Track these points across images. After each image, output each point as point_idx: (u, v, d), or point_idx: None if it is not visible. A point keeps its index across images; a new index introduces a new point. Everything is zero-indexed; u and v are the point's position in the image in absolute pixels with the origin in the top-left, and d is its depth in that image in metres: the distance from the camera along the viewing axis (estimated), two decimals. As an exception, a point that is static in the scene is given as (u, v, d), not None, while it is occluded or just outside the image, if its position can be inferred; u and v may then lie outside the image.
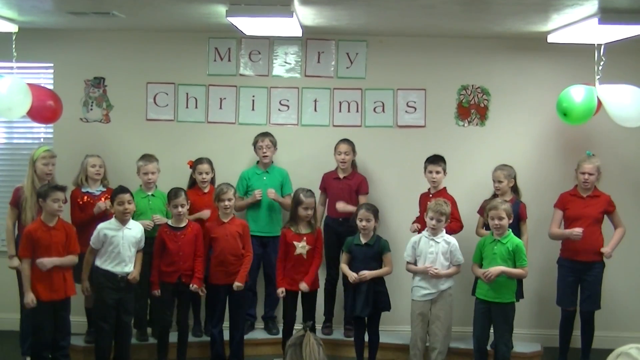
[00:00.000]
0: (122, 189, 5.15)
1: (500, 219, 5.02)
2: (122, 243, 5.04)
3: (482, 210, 5.44)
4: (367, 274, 5.14)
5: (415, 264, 5.21)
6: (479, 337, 5.17)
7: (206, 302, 5.75)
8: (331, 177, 5.92)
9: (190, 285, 5.26)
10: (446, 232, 5.28)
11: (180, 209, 5.25)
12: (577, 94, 5.29)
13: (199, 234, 5.35)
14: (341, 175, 5.89)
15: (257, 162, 5.96)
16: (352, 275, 5.17)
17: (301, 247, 5.30)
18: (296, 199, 5.37)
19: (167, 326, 5.39)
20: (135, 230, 5.16)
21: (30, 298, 4.83)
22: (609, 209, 5.49)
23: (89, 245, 5.10)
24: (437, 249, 5.14)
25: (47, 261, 4.86)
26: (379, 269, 5.23)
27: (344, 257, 5.36)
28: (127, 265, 5.09)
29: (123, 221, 5.09)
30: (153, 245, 5.30)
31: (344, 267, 5.30)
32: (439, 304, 5.15)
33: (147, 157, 5.65)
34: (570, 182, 5.65)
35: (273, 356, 5.71)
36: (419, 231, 5.35)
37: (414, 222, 5.63)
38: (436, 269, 5.09)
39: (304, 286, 5.32)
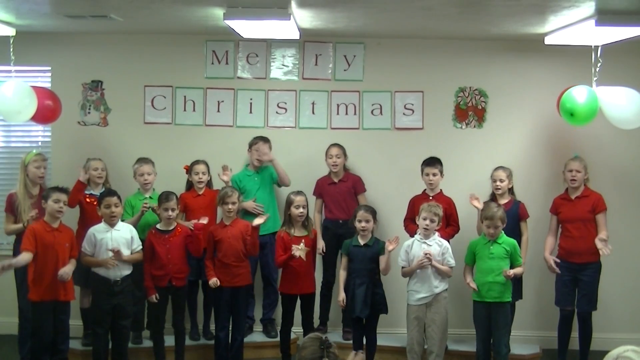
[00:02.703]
0: (109, 192, 5.21)
1: (496, 227, 5.08)
2: (111, 245, 5.05)
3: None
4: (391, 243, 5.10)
5: None
6: (482, 339, 5.18)
7: (206, 304, 5.77)
8: (326, 183, 5.93)
9: None
10: (444, 237, 5.28)
11: (170, 212, 5.25)
12: (579, 95, 5.27)
13: (189, 234, 5.34)
14: (335, 180, 5.90)
15: (247, 165, 5.96)
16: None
17: (300, 249, 5.28)
18: (288, 201, 5.40)
19: (160, 329, 5.39)
20: (124, 231, 5.17)
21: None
22: (598, 208, 5.44)
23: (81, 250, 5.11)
24: (430, 251, 5.13)
25: (69, 269, 4.96)
26: (377, 269, 5.22)
27: (343, 260, 5.34)
28: (120, 269, 5.09)
29: (111, 224, 5.12)
30: (142, 250, 5.28)
31: (342, 275, 5.29)
32: (434, 307, 5.15)
33: (142, 160, 5.69)
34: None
35: (272, 359, 5.70)
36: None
37: (406, 220, 5.68)
38: (429, 256, 5.06)
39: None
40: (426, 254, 5.07)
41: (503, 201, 5.52)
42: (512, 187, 5.64)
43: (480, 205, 5.42)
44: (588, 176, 5.54)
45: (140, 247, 5.22)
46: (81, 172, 5.51)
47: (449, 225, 5.60)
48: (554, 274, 5.58)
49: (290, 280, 5.36)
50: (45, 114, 5.55)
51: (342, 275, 5.31)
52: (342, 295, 5.26)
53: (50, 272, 4.92)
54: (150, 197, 5.63)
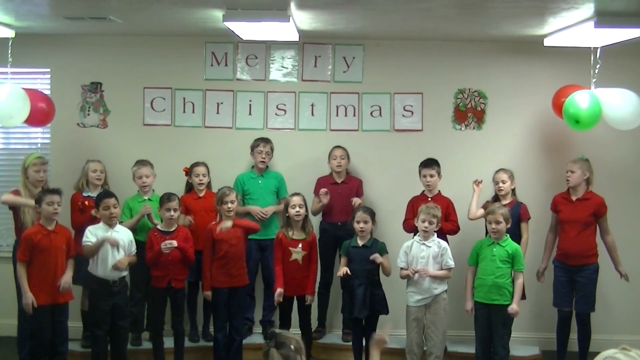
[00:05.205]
0: (107, 194, 5.22)
1: (498, 223, 5.06)
2: (109, 246, 5.05)
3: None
4: (376, 256, 5.11)
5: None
6: (481, 341, 5.18)
7: (205, 306, 5.76)
8: (328, 182, 5.91)
9: None
10: (442, 231, 5.29)
11: (172, 213, 5.25)
12: (582, 100, 5.26)
13: (188, 237, 5.35)
14: (338, 180, 5.90)
15: (252, 166, 5.96)
16: (344, 270, 5.16)
17: (297, 253, 5.30)
18: (285, 203, 5.43)
19: (160, 330, 5.39)
20: (122, 234, 5.17)
21: (29, 299, 4.84)
22: (599, 212, 5.44)
23: (82, 246, 5.11)
24: (429, 253, 5.15)
25: (68, 277, 4.99)
26: (376, 270, 5.22)
27: (342, 261, 5.35)
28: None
29: (110, 225, 5.12)
30: (145, 251, 5.27)
31: (343, 269, 5.26)
32: (434, 308, 5.15)
33: (141, 162, 5.69)
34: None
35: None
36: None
37: (406, 221, 5.65)
38: (421, 270, 5.07)
39: (309, 298, 5.36)
40: (414, 272, 5.08)
41: (505, 202, 5.52)
42: (514, 189, 5.64)
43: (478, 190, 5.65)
44: (591, 178, 5.50)
45: (136, 250, 5.22)
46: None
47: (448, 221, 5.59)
48: (553, 275, 5.60)
49: (287, 283, 5.35)
50: (39, 116, 5.55)
51: (342, 268, 5.26)
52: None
53: (49, 275, 4.92)
54: (149, 199, 5.63)
